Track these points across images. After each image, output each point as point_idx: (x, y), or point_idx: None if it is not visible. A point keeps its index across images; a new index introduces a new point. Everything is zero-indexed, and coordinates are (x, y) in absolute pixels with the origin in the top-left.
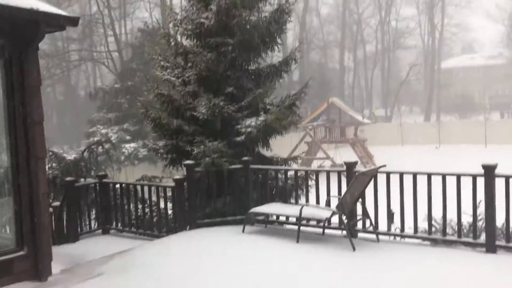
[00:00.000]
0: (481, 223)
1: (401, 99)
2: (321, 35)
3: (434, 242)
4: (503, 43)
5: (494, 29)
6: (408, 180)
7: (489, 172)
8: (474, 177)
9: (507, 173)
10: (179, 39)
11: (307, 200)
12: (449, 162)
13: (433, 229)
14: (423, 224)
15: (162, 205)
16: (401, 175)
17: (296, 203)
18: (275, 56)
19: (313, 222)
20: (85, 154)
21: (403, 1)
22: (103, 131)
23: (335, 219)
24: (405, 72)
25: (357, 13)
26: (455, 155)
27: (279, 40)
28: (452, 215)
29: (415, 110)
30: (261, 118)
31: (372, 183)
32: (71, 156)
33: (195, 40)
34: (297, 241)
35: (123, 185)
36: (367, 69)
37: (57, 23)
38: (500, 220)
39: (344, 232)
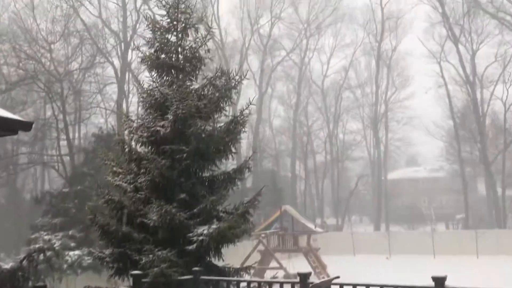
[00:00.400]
0: None
1: (351, 209)
2: (274, 144)
3: None
4: (443, 157)
5: (434, 144)
6: None
7: (440, 284)
8: None
9: (457, 286)
10: (133, 145)
11: None
12: (400, 273)
13: None
14: None
15: None
16: (354, 287)
17: None
18: (229, 163)
19: None
20: (24, 262)
21: (349, 116)
22: (46, 237)
23: None
24: (354, 182)
25: (307, 125)
26: (405, 266)
27: (233, 149)
28: None
29: (365, 220)
30: (214, 226)
31: None
32: (7, 264)
33: (149, 147)
34: None
35: None
36: (318, 178)
37: (9, 127)
38: None
39: None
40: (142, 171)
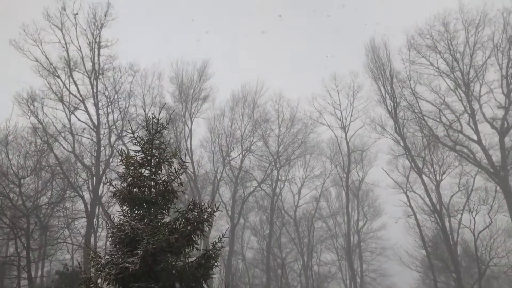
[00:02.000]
0: None
1: None
2: (247, 278)
3: None
4: None
5: (409, 274)
6: None
7: None
8: None
9: None
10: (100, 283)
11: None
12: None
13: None
14: None
15: None
16: None
17: None
18: None
19: None
20: None
21: (323, 246)
22: None
23: None
24: None
25: (281, 257)
26: None
27: (205, 286)
28: None
29: None
30: None
31: None
32: None
33: (117, 285)
34: None
35: None
36: None
37: None
38: None
39: None
40: None
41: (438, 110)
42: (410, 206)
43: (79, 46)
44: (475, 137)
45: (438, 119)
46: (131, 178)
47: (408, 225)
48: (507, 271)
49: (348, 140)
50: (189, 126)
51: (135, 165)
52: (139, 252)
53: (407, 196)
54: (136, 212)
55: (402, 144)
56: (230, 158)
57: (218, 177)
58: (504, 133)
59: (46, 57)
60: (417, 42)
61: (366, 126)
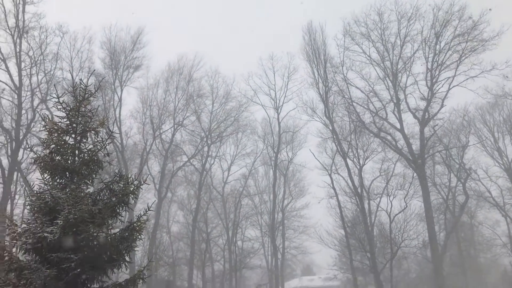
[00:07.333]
0: None
1: None
2: (171, 251)
3: None
4: (337, 266)
5: (327, 253)
6: None
7: None
8: None
9: None
10: (15, 252)
11: None
12: None
13: None
14: None
15: None
16: None
17: None
18: (121, 272)
19: None
20: None
21: (248, 223)
22: None
23: None
24: None
25: (206, 232)
26: None
27: (127, 258)
28: None
29: None
30: None
31: None
32: None
33: (34, 255)
34: None
35: None
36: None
37: None
38: None
39: None
40: (22, 282)
41: (366, 97)
42: (333, 187)
43: (2, 1)
44: (398, 126)
45: (365, 106)
46: (54, 145)
47: (330, 206)
48: (416, 252)
49: (280, 120)
50: (119, 94)
51: (59, 132)
52: (59, 221)
53: (331, 178)
54: (58, 180)
55: (330, 127)
56: (161, 131)
57: (148, 150)
58: (424, 123)
59: None
60: (353, 29)
61: (298, 108)
